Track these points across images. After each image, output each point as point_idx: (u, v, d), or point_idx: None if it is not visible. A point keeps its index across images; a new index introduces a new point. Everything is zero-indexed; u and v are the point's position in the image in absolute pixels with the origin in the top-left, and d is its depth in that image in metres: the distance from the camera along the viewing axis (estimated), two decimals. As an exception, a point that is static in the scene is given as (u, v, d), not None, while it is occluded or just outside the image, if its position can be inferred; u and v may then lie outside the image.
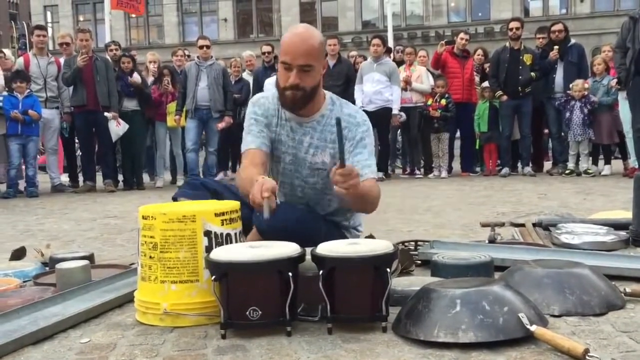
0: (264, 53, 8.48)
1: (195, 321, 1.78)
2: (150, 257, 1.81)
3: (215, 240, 1.81)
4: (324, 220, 2.36)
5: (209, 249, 1.79)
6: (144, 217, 1.83)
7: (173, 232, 1.78)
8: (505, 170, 7.88)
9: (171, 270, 1.79)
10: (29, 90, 6.92)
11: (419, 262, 2.56)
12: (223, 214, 1.85)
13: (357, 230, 2.49)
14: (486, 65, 8.44)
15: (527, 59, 7.74)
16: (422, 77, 8.34)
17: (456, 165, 8.78)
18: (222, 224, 1.84)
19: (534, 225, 3.31)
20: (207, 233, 1.80)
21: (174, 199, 2.32)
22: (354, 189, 1.89)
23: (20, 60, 7.61)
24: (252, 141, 2.28)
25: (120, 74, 7.48)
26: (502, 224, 3.36)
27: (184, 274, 1.79)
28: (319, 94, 2.27)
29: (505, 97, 7.69)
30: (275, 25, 30.45)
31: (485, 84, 8.12)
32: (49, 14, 32.68)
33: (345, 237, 2.35)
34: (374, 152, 2.29)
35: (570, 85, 7.44)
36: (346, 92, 7.85)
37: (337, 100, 2.35)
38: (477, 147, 8.34)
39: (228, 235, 1.85)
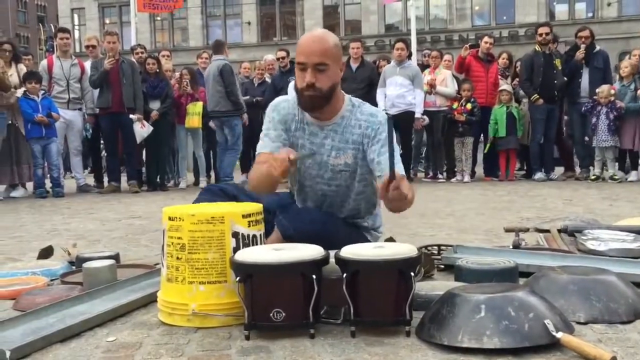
0: (278, 59, 8.51)
1: (222, 322, 1.79)
2: (178, 258, 1.81)
3: (242, 241, 1.83)
4: (345, 224, 2.37)
5: (236, 250, 1.80)
6: (170, 218, 1.83)
7: (202, 233, 1.79)
8: (540, 174, 7.80)
9: (199, 271, 1.79)
10: (43, 92, 7.00)
11: (442, 266, 2.56)
12: (249, 215, 1.86)
13: (377, 231, 2.49)
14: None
15: (558, 63, 7.68)
16: (447, 81, 8.30)
17: (479, 169, 8.72)
18: (249, 225, 1.85)
19: (559, 231, 3.27)
20: (235, 234, 1.81)
21: None
22: (409, 196, 1.91)
23: (44, 62, 7.71)
24: (266, 145, 2.30)
25: (146, 76, 7.57)
26: (527, 230, 3.33)
27: (212, 274, 1.80)
28: (337, 96, 2.26)
29: (541, 101, 7.62)
30: (298, 28, 30.54)
31: (504, 87, 8.03)
32: (75, 16, 33.21)
33: (366, 239, 2.37)
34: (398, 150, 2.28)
35: (597, 91, 7.36)
36: (369, 95, 7.85)
37: (356, 102, 2.35)
38: (485, 150, 8.26)
39: (254, 236, 1.87)
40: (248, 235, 1.85)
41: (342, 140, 2.28)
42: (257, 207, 1.93)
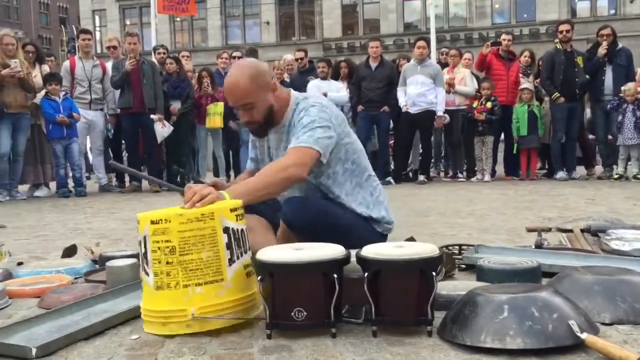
0: (297, 59, 8.53)
1: (226, 322, 1.73)
2: (168, 262, 1.72)
3: (233, 236, 1.77)
4: (347, 211, 2.39)
5: (229, 246, 1.75)
6: (154, 222, 1.73)
7: (192, 232, 1.72)
8: (562, 174, 7.72)
9: (194, 273, 1.72)
10: (64, 93, 7.07)
11: (463, 266, 2.54)
12: (236, 209, 1.82)
13: (388, 224, 2.51)
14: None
15: (579, 60, 7.60)
16: (466, 80, 8.25)
17: (499, 168, 8.66)
18: (237, 220, 1.80)
19: (582, 231, 3.22)
20: (226, 229, 1.76)
21: None
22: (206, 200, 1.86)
23: (67, 63, 7.81)
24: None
25: (167, 76, 7.63)
26: (549, 229, 3.29)
27: (208, 274, 1.73)
28: (279, 108, 2.37)
29: (562, 99, 7.54)
30: (317, 28, 30.58)
31: (525, 85, 7.96)
32: (97, 18, 33.59)
33: (373, 228, 2.42)
34: (313, 124, 2.27)
35: (622, 89, 7.27)
36: (388, 94, 7.85)
37: (300, 98, 2.42)
38: (514, 151, 8.17)
39: (242, 230, 1.81)
40: (238, 230, 1.79)
41: (289, 140, 2.35)
42: (238, 202, 1.88)
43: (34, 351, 1.56)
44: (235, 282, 1.76)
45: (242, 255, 1.80)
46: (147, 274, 1.77)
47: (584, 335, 1.49)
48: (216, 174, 8.61)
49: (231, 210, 1.79)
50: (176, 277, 1.72)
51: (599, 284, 1.85)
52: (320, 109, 2.31)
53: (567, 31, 7.67)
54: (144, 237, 1.76)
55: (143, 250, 1.77)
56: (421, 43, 7.85)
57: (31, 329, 1.79)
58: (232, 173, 8.72)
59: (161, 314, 1.73)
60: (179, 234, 1.71)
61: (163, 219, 1.72)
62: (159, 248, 1.73)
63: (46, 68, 7.34)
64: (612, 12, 26.90)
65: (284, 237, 2.32)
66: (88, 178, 8.72)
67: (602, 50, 7.49)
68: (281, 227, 2.33)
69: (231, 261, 1.76)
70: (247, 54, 8.34)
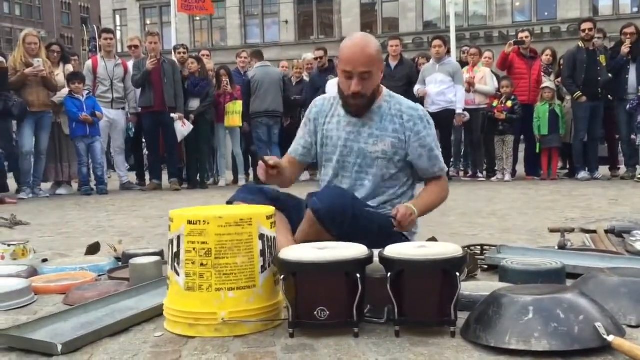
0: (316, 58, 8.53)
1: (253, 329, 1.73)
2: (202, 264, 1.70)
3: (267, 243, 1.77)
4: (374, 209, 2.39)
5: (263, 253, 1.76)
6: (191, 222, 1.71)
7: (230, 236, 1.71)
8: (584, 174, 7.63)
9: (228, 277, 1.71)
10: (87, 92, 7.13)
11: (485, 266, 2.52)
12: (271, 216, 1.81)
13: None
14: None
15: (602, 59, 7.49)
16: (486, 79, 8.18)
17: (520, 168, 8.58)
18: (271, 227, 1.80)
19: (606, 231, 3.19)
20: (261, 236, 1.76)
21: (229, 203, 2.37)
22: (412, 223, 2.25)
23: (89, 62, 7.88)
24: (291, 146, 2.58)
25: (189, 75, 7.68)
26: (572, 230, 3.25)
27: (241, 279, 1.72)
28: (378, 93, 2.38)
29: (584, 99, 7.45)
30: (335, 26, 30.54)
31: (547, 84, 7.87)
32: (117, 17, 33.90)
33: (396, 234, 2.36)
34: (438, 145, 2.44)
35: (641, 88, 7.17)
36: (407, 93, 7.80)
37: (394, 95, 2.45)
38: (537, 150, 8.07)
39: (274, 238, 1.82)
40: (271, 237, 1.79)
41: (380, 128, 2.35)
42: (272, 209, 1.89)
43: (59, 347, 1.58)
44: (265, 289, 1.77)
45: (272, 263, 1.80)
46: (177, 273, 1.75)
47: (610, 338, 1.47)
48: (235, 173, 8.64)
49: (267, 218, 1.78)
50: (209, 279, 1.71)
51: (626, 285, 1.83)
52: (433, 124, 2.43)
53: (590, 29, 7.57)
54: (178, 236, 1.74)
55: (175, 249, 1.75)
56: (437, 42, 7.81)
57: (56, 325, 1.81)
58: (250, 172, 8.74)
59: (190, 315, 1.72)
60: (216, 237, 1.70)
61: (201, 220, 1.70)
62: (194, 249, 1.71)
63: (70, 68, 7.42)
64: (635, 9, 26.48)
65: (305, 231, 2.24)
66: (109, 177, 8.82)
67: (625, 49, 7.39)
68: (306, 215, 2.23)
69: (263, 268, 1.77)
70: (257, 54, 8.42)
